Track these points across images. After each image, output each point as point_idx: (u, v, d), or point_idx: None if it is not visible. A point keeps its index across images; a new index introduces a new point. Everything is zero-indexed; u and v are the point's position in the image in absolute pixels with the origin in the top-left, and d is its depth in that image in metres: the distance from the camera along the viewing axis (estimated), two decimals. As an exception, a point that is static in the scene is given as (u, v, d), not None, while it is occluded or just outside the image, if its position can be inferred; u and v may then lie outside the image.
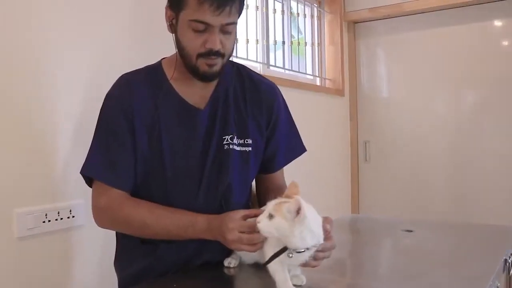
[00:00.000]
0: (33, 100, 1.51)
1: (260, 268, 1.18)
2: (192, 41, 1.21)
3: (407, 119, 3.63)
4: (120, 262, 1.39)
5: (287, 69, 3.17)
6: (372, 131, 3.79)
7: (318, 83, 3.60)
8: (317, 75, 3.59)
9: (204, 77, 1.27)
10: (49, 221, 1.54)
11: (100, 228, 1.30)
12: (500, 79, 3.30)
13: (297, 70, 3.30)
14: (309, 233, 1.00)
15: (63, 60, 1.59)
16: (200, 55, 1.22)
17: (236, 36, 1.28)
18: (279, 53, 3.16)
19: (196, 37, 1.20)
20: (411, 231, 1.70)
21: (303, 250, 1.02)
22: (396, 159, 3.68)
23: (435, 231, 1.79)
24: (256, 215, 1.10)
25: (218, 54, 1.22)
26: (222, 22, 1.19)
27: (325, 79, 3.65)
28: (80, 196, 1.59)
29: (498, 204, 3.28)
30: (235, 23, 1.23)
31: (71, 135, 1.61)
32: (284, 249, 1.03)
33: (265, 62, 2.96)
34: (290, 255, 1.02)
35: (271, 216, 1.01)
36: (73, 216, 1.60)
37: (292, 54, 3.27)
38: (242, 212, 1.15)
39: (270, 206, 1.02)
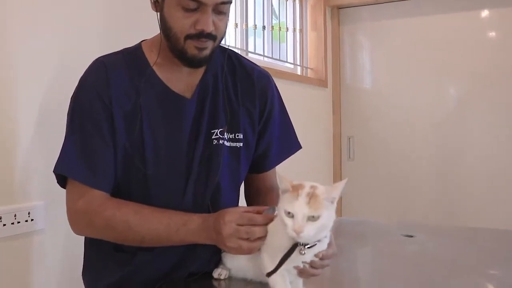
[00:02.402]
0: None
1: (255, 280, 1.17)
2: (181, 21, 1.18)
3: (393, 112, 3.68)
4: (90, 273, 1.36)
5: (266, 57, 3.17)
6: (356, 125, 3.82)
7: (299, 72, 3.61)
8: (298, 63, 3.60)
9: (192, 62, 1.24)
10: (4, 225, 1.49)
11: (63, 233, 1.28)
12: (487, 70, 3.40)
13: (277, 57, 3.30)
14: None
15: (22, 47, 1.54)
16: (188, 37, 1.19)
17: (229, 17, 1.26)
18: (259, 40, 3.15)
19: (185, 17, 1.17)
20: (411, 236, 1.70)
21: (314, 243, 1.01)
22: (382, 157, 3.72)
23: (437, 236, 1.81)
24: (258, 212, 1.10)
25: (209, 36, 1.19)
26: (216, 1, 1.16)
27: (306, 68, 3.66)
28: (40, 197, 1.56)
29: (487, 203, 3.38)
30: (230, 2, 1.20)
31: (31, 130, 1.56)
32: (294, 247, 1.01)
33: (244, 48, 2.95)
34: (303, 252, 1.00)
35: (312, 218, 0.96)
36: (32, 220, 1.56)
37: (273, 40, 3.27)
38: (243, 208, 1.14)
39: (301, 208, 0.96)
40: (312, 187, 0.98)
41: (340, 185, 0.99)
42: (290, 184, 0.99)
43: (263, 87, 1.39)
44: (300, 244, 1.00)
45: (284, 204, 0.98)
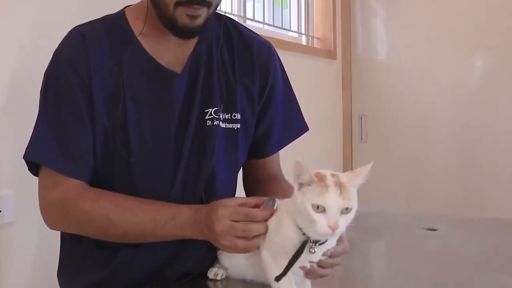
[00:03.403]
0: None
1: (255, 280, 1.17)
2: None
3: (411, 88, 3.66)
4: (66, 272, 1.36)
5: (267, 24, 3.16)
6: (369, 103, 3.81)
7: (304, 42, 3.60)
8: (303, 32, 3.58)
9: (183, 32, 1.23)
10: (-32, 217, 1.52)
11: (35, 227, 1.31)
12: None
13: (279, 25, 3.29)
14: None
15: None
16: (179, 3, 1.18)
17: None
18: (258, 5, 3.14)
19: None
20: (434, 229, 1.71)
21: (325, 239, 1.01)
22: (398, 138, 3.71)
23: (463, 229, 1.81)
24: (257, 205, 1.10)
25: (203, 3, 1.19)
26: None
27: (312, 37, 3.65)
28: (10, 185, 1.57)
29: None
30: None
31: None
32: (304, 245, 1.01)
33: (241, 15, 2.94)
34: (313, 251, 1.01)
35: (345, 210, 0.97)
36: None
37: (274, 5, 3.25)
38: (239, 200, 1.14)
39: (334, 200, 0.96)
40: (333, 174, 0.99)
41: (364, 170, 1.00)
42: (313, 173, 0.99)
43: (265, 59, 1.39)
44: (310, 241, 1.00)
45: (311, 197, 0.98)
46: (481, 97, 3.46)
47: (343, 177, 0.99)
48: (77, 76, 1.21)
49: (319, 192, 0.97)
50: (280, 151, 1.49)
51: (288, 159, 1.49)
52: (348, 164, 3.84)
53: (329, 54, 3.65)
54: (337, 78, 3.81)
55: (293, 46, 3.26)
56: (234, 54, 1.35)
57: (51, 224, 1.27)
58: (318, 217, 0.96)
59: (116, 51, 1.25)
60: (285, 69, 1.47)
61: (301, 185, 1.00)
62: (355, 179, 0.99)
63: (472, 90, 3.49)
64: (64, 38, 1.28)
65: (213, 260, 1.25)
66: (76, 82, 1.21)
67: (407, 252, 1.54)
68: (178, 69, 1.29)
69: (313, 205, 0.97)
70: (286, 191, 1.26)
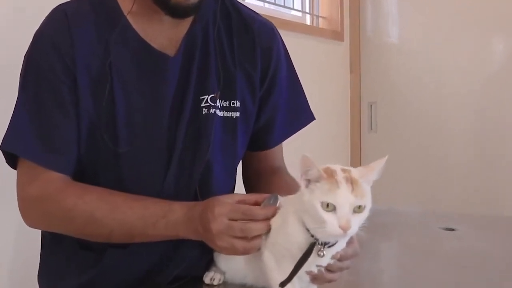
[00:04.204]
0: None
1: (256, 285, 1.17)
2: None
3: (425, 73, 3.65)
4: (47, 275, 1.37)
5: (268, 2, 3.17)
6: (379, 89, 3.81)
7: (308, 22, 3.60)
8: (307, 11, 3.58)
9: (177, 11, 1.23)
10: None
11: (13, 225, 1.32)
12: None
13: (281, 3, 3.29)
14: None
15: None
16: None
17: None
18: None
19: None
20: (452, 229, 1.71)
21: (335, 242, 1.01)
22: (411, 128, 3.71)
23: (483, 229, 1.81)
24: (257, 202, 1.10)
25: None
26: None
27: (317, 16, 3.65)
28: None
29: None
30: None
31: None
32: (311, 248, 1.01)
33: (240, -8, 2.91)
34: (322, 254, 1.01)
35: (358, 208, 0.97)
36: (-26, 207, 1.59)
37: (276, -19, 3.26)
38: (237, 197, 1.14)
39: (346, 197, 0.96)
40: (344, 170, 0.99)
41: (378, 165, 1.00)
42: (322, 169, 0.99)
43: (267, 42, 1.39)
44: (318, 244, 1.00)
45: (320, 195, 0.97)
46: (503, 83, 3.45)
47: (355, 172, 0.99)
48: (59, 59, 1.21)
49: (329, 189, 0.96)
50: (287, 141, 1.49)
51: (290, 150, 1.50)
52: (356, 157, 3.85)
53: (336, 35, 3.65)
54: (345, 62, 3.81)
55: (296, 27, 3.26)
56: (233, 36, 1.35)
57: (30, 222, 1.27)
58: (328, 217, 0.96)
59: (103, 32, 1.25)
60: (287, 48, 1.47)
61: (308, 181, 1.00)
62: (368, 175, 0.99)
63: (493, 76, 3.49)
64: (46, 17, 1.27)
65: (209, 262, 1.25)
66: (58, 67, 1.21)
67: (422, 255, 1.54)
68: (171, 51, 1.28)
69: (322, 204, 0.96)
70: (289, 186, 1.27)
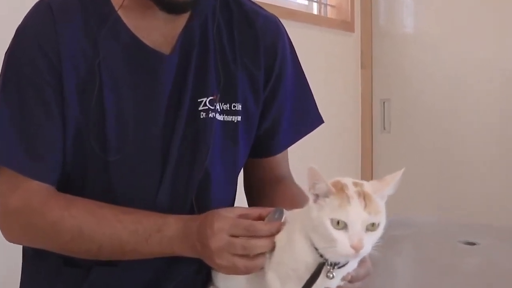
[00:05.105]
0: None
1: None
2: None
3: (443, 68, 3.64)
4: None
5: None
6: (393, 85, 3.82)
7: (315, 11, 3.61)
8: (314, -1, 3.58)
9: (172, 6, 1.24)
10: None
11: None
12: None
13: (286, -9, 3.31)
14: None
15: None
16: None
17: None
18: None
19: None
20: (473, 243, 1.71)
21: (345, 262, 1.02)
22: (427, 128, 3.71)
23: (509, 242, 1.81)
24: (260, 216, 1.10)
25: None
26: None
27: (326, 5, 3.66)
28: None
29: None
30: None
31: None
32: (320, 268, 1.01)
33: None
34: (331, 276, 1.01)
35: (371, 226, 0.97)
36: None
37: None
38: (239, 210, 1.14)
39: (358, 214, 0.97)
40: (356, 183, 0.99)
41: (394, 178, 1.00)
42: (331, 183, 0.99)
43: (271, 39, 1.40)
44: (328, 264, 1.01)
45: (330, 211, 0.98)
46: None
47: (368, 186, 0.99)
48: (43, 56, 1.22)
49: (339, 204, 0.97)
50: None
51: (295, 154, 1.50)
52: (367, 159, 3.86)
53: (346, 25, 3.67)
54: (355, 55, 3.82)
55: (302, 16, 3.28)
56: (234, 32, 1.36)
57: (10, 236, 1.27)
58: (339, 235, 0.96)
59: (92, 28, 1.25)
60: (293, 45, 1.47)
61: (317, 196, 1.00)
62: (383, 189, 0.99)
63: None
64: (29, 12, 1.28)
65: (206, 281, 1.25)
66: (43, 66, 1.22)
67: (440, 272, 1.54)
68: (166, 49, 1.29)
69: (332, 221, 0.97)
70: (296, 198, 1.28)
